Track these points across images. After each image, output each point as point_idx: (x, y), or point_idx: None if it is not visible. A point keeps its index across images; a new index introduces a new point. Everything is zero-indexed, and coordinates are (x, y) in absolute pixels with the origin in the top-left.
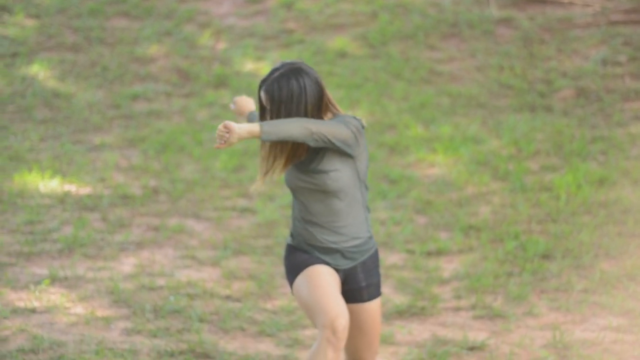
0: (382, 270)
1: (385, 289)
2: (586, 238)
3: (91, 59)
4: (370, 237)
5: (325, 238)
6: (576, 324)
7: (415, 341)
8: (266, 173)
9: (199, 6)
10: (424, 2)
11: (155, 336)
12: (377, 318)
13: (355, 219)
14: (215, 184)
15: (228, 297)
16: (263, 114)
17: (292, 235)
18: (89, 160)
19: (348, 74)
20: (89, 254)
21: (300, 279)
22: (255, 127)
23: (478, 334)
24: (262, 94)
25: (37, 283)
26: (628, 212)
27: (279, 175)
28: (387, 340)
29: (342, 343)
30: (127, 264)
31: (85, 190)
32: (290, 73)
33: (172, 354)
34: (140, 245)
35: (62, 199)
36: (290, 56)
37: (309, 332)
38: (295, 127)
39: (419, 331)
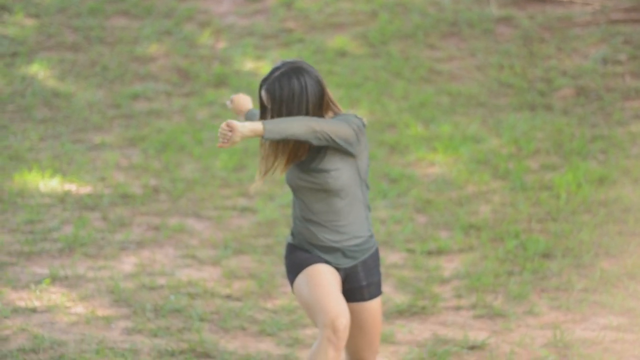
0: (382, 270)
1: (385, 288)
2: (586, 237)
3: (91, 59)
4: (371, 236)
5: (326, 237)
6: (576, 323)
7: (415, 340)
8: (266, 173)
9: (199, 5)
10: (423, 1)
11: (155, 335)
12: (377, 317)
13: (356, 218)
14: (216, 183)
15: (228, 297)
16: (264, 113)
17: (292, 234)
18: (89, 160)
19: (348, 73)
20: (90, 253)
21: (300, 278)
22: (258, 125)
23: (478, 333)
24: (263, 93)
25: (38, 282)
26: (628, 211)
27: (280, 175)
28: (387, 340)
29: (343, 342)
30: (128, 263)
31: (85, 189)
32: (291, 72)
33: (172, 354)
34: (140, 244)
35: (63, 199)
36: (290, 55)
37: (309, 332)
38: (298, 126)
39: (420, 330)
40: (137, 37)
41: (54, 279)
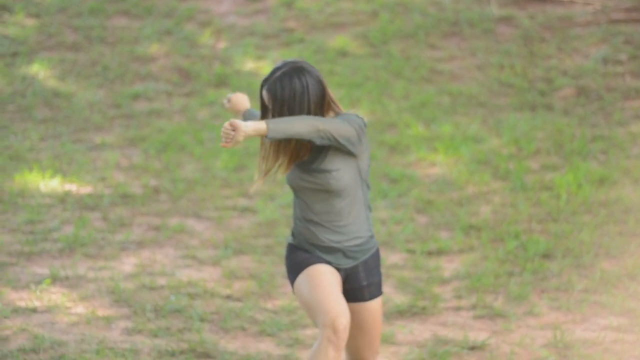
0: (382, 270)
1: (386, 288)
2: (587, 237)
3: (92, 58)
4: (372, 236)
5: (327, 237)
6: (577, 324)
7: (416, 341)
8: (267, 173)
9: (200, 5)
10: (424, 1)
11: (156, 336)
12: (378, 317)
13: (357, 218)
14: (216, 183)
15: (229, 297)
16: (265, 113)
17: (293, 234)
18: (90, 160)
19: (348, 73)
20: (90, 253)
21: (301, 278)
22: (261, 124)
23: (479, 334)
24: (265, 93)
25: (38, 283)
26: (629, 212)
27: (282, 175)
28: (387, 340)
29: (343, 342)
30: (128, 263)
31: (85, 189)
32: (292, 72)
33: (172, 354)
34: (141, 244)
35: (63, 199)
36: (290, 55)
37: (309, 332)
38: (301, 125)
39: (420, 331)
40: (137, 37)
41: (54, 279)
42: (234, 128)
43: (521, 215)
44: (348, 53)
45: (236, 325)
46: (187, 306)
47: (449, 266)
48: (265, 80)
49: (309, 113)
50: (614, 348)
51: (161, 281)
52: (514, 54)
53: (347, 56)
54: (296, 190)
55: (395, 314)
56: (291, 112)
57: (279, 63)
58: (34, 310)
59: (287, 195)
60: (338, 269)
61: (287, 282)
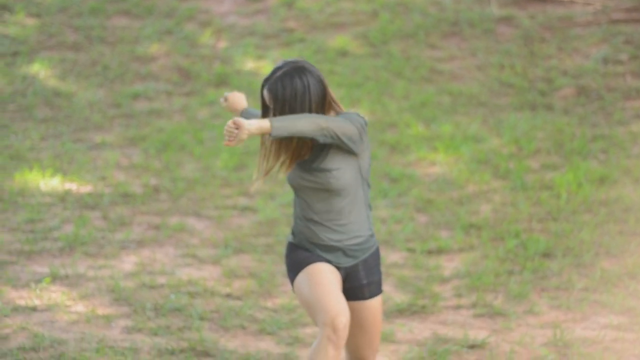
0: (383, 269)
1: (386, 287)
2: (587, 236)
3: (92, 58)
4: (372, 235)
5: (328, 236)
6: (577, 323)
7: (415, 339)
8: (268, 172)
9: (200, 5)
10: (424, 1)
11: (155, 334)
12: (378, 316)
13: (357, 217)
14: (216, 182)
15: (229, 296)
16: (265, 113)
17: (293, 233)
18: (90, 159)
19: (349, 73)
20: (90, 252)
21: (301, 277)
22: (265, 122)
23: (478, 333)
24: (266, 93)
25: (38, 281)
26: (629, 211)
27: (284, 174)
28: (387, 339)
29: (343, 341)
30: (128, 262)
31: (86, 188)
32: (293, 72)
33: (172, 352)
34: (141, 243)
35: (63, 198)
36: (291, 55)
37: (309, 331)
38: (305, 123)
39: (420, 329)
40: (138, 36)
41: (54, 278)
42: (238, 126)
43: (521, 215)
44: (348, 53)
45: (236, 324)
46: (187, 305)
47: (449, 265)
48: (266, 80)
49: (310, 112)
50: (614, 347)
51: (161, 280)
52: (514, 54)
53: (347, 56)
54: (297, 190)
55: (395, 312)
56: (292, 112)
57: (279, 63)
58: (34, 309)
59: (287, 194)
60: (338, 268)
61: (287, 281)
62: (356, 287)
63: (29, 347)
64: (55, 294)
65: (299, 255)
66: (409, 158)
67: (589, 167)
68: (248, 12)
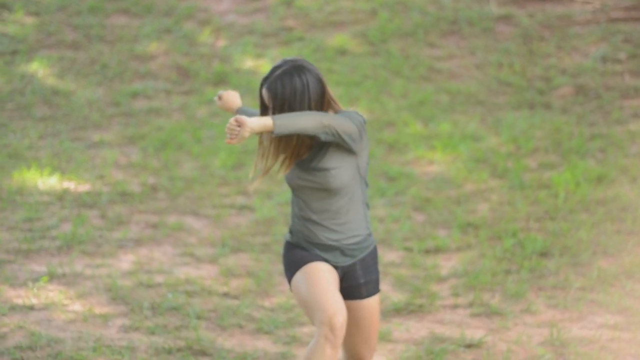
0: (380, 268)
1: (383, 286)
2: (584, 236)
3: (91, 57)
4: (370, 234)
5: (326, 236)
6: (574, 322)
7: (412, 338)
8: (267, 171)
9: (199, 3)
10: (423, 0)
11: (153, 333)
12: (375, 315)
13: (355, 216)
14: (214, 181)
15: (226, 295)
16: (264, 112)
17: (291, 232)
18: (88, 158)
19: (347, 72)
20: (88, 251)
21: (298, 276)
22: (267, 120)
23: (475, 332)
24: (265, 92)
25: (36, 280)
26: (626, 210)
27: (283, 174)
28: (384, 338)
29: (340, 340)
30: (126, 261)
31: (84, 187)
32: (292, 70)
33: (169, 351)
34: (138, 242)
35: (61, 196)
36: (289, 54)
37: (306, 330)
38: (307, 120)
39: (417, 328)
40: (137, 35)
41: (52, 277)
42: (240, 124)
43: (519, 214)
44: (347, 51)
45: (233, 323)
46: (185, 304)
47: (446, 264)
48: (265, 79)
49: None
50: (611, 346)
51: (159, 279)
52: (513, 52)
53: (346, 55)
54: (295, 189)
55: (393, 311)
56: (291, 111)
57: (278, 62)
58: (31, 308)
59: (284, 193)
60: (335, 267)
61: (284, 280)
62: (353, 286)
63: (26, 346)
64: (53, 293)
65: (296, 255)
66: (407, 157)
67: (587, 166)
68: (247, 11)
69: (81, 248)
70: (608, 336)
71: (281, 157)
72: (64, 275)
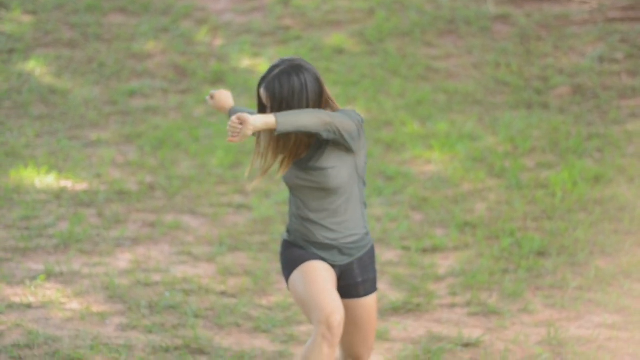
0: (377, 267)
1: (380, 285)
2: (582, 235)
3: (88, 55)
4: (367, 233)
5: (323, 235)
6: (571, 321)
7: (410, 337)
8: (266, 171)
9: (196, 2)
10: None
11: (150, 332)
12: (372, 313)
13: (353, 215)
14: (212, 180)
15: (223, 293)
16: (262, 112)
17: (288, 231)
18: (85, 156)
19: (345, 71)
20: (85, 249)
21: (296, 275)
22: (270, 117)
23: (473, 331)
24: (263, 92)
25: (33, 278)
26: (624, 210)
27: (281, 174)
28: (382, 337)
29: (337, 339)
30: (123, 259)
31: (81, 186)
32: (290, 70)
33: (167, 350)
34: (136, 241)
35: (58, 195)
36: (287, 53)
37: (304, 328)
38: (309, 118)
39: (414, 328)
40: (134, 34)
41: (49, 275)
42: (242, 122)
43: (516, 213)
44: (344, 51)
45: (231, 322)
46: (182, 302)
47: (443, 263)
48: (263, 79)
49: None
50: (608, 345)
51: (156, 277)
52: (510, 52)
53: (343, 54)
54: (293, 189)
55: (390, 310)
56: (290, 110)
57: (276, 61)
58: (29, 306)
59: (282, 192)
60: (333, 266)
61: (282, 279)
62: (351, 285)
63: (24, 344)
64: (50, 291)
65: (294, 253)
66: (404, 156)
67: (584, 166)
68: (244, 10)
69: (78, 246)
70: (606, 336)
71: (280, 157)
72: (61, 273)
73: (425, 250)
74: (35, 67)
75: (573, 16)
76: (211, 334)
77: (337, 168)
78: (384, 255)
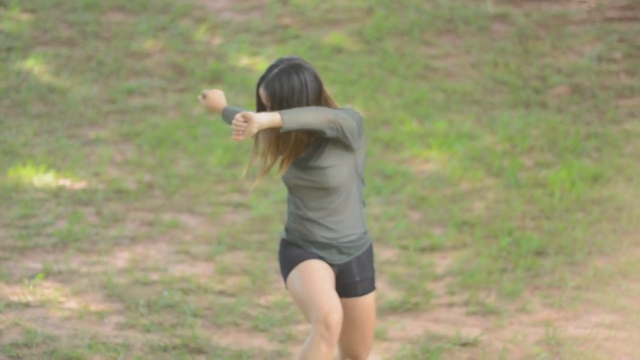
0: (376, 266)
1: (378, 284)
2: (580, 235)
3: (86, 54)
4: (365, 232)
5: (322, 234)
6: (569, 321)
7: (408, 337)
8: (267, 171)
9: (195, 1)
10: None
11: (148, 331)
12: (371, 312)
13: (351, 214)
14: (210, 179)
15: (222, 292)
16: (261, 111)
17: (286, 230)
18: (84, 155)
19: (343, 70)
20: (83, 248)
21: (294, 274)
22: (275, 115)
23: (471, 330)
24: (262, 92)
25: (31, 277)
26: (622, 209)
27: (280, 174)
28: (380, 336)
29: (335, 338)
30: (121, 258)
31: (79, 184)
32: (290, 69)
33: (165, 349)
34: (134, 240)
35: (57, 194)
36: (285, 51)
37: (302, 328)
38: (313, 115)
39: (412, 327)
40: (132, 32)
41: (48, 274)
42: (247, 120)
43: (514, 212)
44: (343, 50)
45: (229, 321)
46: (180, 301)
47: (442, 262)
48: (263, 79)
49: None
50: (606, 345)
51: (154, 276)
52: (508, 51)
53: (342, 53)
54: (291, 188)
55: (388, 309)
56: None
57: (275, 61)
58: (27, 305)
59: (281, 191)
60: (331, 265)
61: (280, 278)
62: (349, 284)
63: (22, 343)
64: (48, 290)
65: (292, 252)
66: (402, 155)
67: (583, 165)
68: (243, 9)
69: (77, 245)
70: (603, 335)
71: (280, 156)
72: (59, 272)
73: (423, 250)
74: (34, 66)
75: (571, 16)
76: (209, 333)
77: (336, 167)
78: (382, 254)
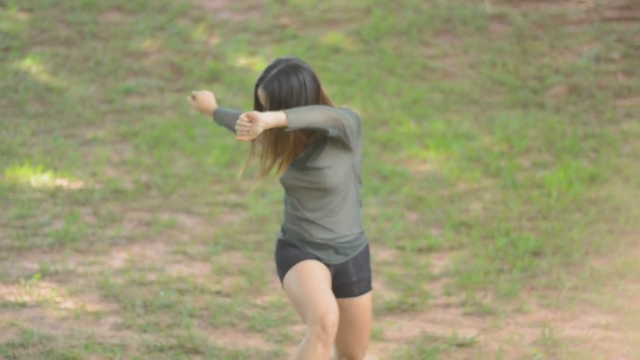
0: (372, 266)
1: (375, 285)
2: (577, 235)
3: (84, 54)
4: (362, 233)
5: (319, 235)
6: (566, 321)
7: (404, 337)
8: (267, 172)
9: (193, 1)
10: None
11: (145, 331)
12: (367, 313)
13: (348, 215)
14: (207, 179)
15: (218, 293)
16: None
17: (283, 230)
18: (81, 155)
19: (341, 70)
20: (80, 248)
21: (290, 274)
22: (280, 114)
23: (467, 331)
24: (261, 92)
25: (28, 277)
26: (619, 210)
27: (279, 175)
28: (376, 337)
29: (332, 338)
30: (118, 258)
31: (76, 184)
32: (289, 70)
33: (161, 349)
34: (131, 240)
35: (54, 194)
36: (283, 51)
37: (298, 328)
38: (317, 114)
39: (409, 327)
40: (130, 32)
41: (44, 274)
42: (252, 119)
43: (511, 213)
44: (341, 50)
45: (225, 321)
46: (177, 302)
47: (438, 263)
48: (261, 79)
49: None
50: (603, 346)
51: (151, 277)
52: (506, 51)
53: (339, 53)
54: (289, 189)
55: (385, 310)
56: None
57: (273, 61)
58: (23, 305)
59: (278, 191)
60: (328, 265)
61: (276, 278)
62: (346, 285)
63: (18, 343)
64: (45, 290)
65: (288, 253)
66: (400, 155)
67: (580, 166)
68: (241, 8)
69: (73, 245)
70: (600, 336)
71: (280, 157)
72: (56, 272)
73: (420, 250)
74: (31, 65)
75: (569, 16)
76: (206, 333)
77: (334, 167)
78: (379, 255)
